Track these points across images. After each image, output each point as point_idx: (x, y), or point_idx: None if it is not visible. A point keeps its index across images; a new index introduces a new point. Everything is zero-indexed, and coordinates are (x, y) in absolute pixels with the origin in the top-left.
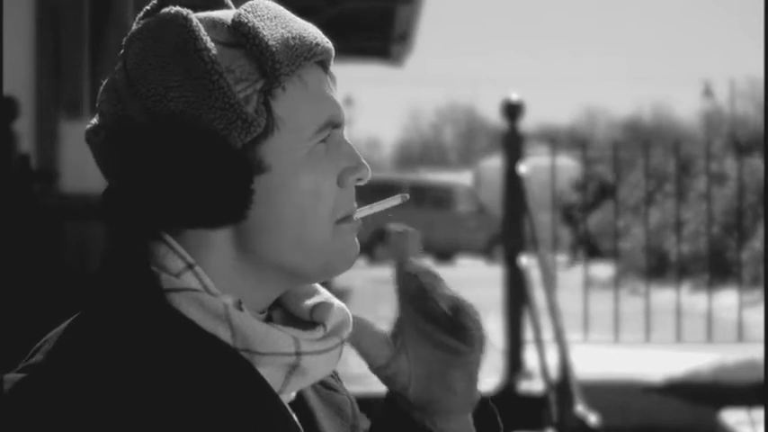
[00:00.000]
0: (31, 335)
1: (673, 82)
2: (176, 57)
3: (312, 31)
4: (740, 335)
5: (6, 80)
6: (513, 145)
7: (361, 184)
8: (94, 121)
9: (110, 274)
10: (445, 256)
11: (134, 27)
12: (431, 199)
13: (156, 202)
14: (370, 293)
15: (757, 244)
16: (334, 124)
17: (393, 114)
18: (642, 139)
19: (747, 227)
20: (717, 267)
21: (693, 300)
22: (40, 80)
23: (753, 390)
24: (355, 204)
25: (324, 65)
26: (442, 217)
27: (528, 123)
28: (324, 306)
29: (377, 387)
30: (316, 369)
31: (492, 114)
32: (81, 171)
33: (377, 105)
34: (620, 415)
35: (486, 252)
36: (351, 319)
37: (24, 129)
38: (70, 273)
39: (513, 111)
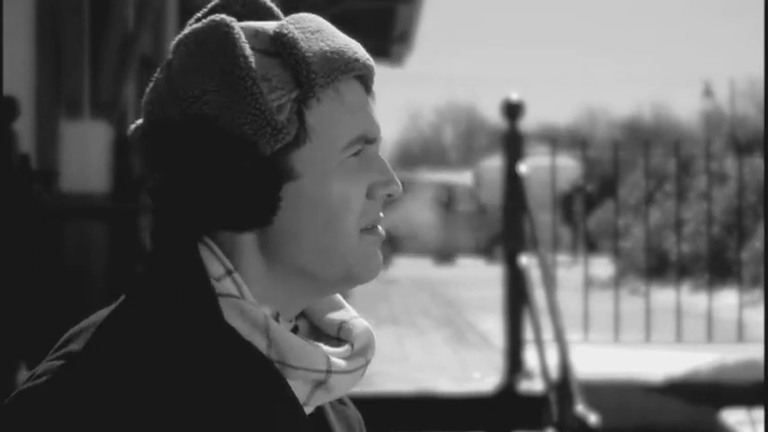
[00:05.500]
0: (32, 335)
1: (673, 82)
2: (215, 62)
3: (353, 47)
4: (740, 335)
5: (6, 80)
6: (513, 145)
7: (390, 200)
8: (139, 120)
9: (159, 273)
10: (445, 256)
11: (183, 31)
12: (430, 199)
13: (187, 201)
14: (370, 293)
15: (757, 244)
16: (368, 139)
17: (393, 114)
18: (642, 139)
19: (747, 227)
20: (717, 267)
21: (693, 300)
22: (40, 80)
23: (753, 390)
24: (382, 216)
25: (365, 81)
26: (441, 217)
27: (528, 123)
28: (351, 326)
29: (377, 387)
30: (340, 387)
31: (492, 114)
32: (81, 171)
33: (376, 105)
34: (620, 415)
35: (486, 252)
36: (374, 341)
37: (24, 129)
38: (70, 273)
39: (513, 111)
